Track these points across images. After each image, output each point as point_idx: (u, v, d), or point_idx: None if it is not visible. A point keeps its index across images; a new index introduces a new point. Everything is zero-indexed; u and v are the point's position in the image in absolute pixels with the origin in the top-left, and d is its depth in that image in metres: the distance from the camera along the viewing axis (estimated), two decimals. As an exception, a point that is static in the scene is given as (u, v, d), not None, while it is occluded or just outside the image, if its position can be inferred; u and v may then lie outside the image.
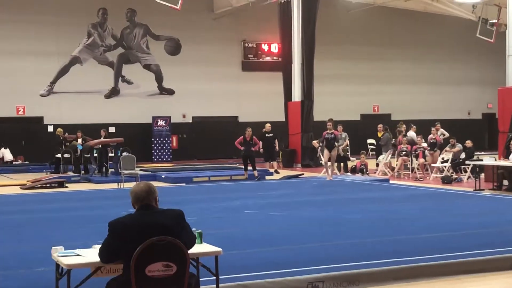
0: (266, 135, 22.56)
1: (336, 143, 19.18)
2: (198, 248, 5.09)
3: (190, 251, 4.75)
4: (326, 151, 19.23)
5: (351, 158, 23.01)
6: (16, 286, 6.63)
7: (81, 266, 4.97)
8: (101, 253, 4.79)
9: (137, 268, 4.45)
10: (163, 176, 20.26)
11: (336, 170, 21.39)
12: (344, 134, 22.74)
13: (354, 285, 6.75)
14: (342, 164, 21.77)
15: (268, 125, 22.95)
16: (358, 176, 20.30)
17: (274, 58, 31.99)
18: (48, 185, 18.36)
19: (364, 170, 20.94)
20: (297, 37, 25.64)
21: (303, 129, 25.39)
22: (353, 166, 21.60)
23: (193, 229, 5.04)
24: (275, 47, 32.02)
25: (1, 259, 7.85)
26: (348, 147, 24.84)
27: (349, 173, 21.17)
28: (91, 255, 5.06)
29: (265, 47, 32.38)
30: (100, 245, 4.89)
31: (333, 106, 31.03)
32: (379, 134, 22.67)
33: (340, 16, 31.51)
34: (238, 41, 31.72)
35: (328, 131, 19.20)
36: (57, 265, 5.24)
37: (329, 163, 19.24)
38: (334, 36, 31.35)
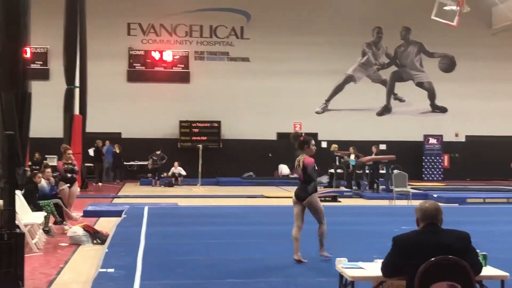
0: None
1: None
2: (483, 271, 4.94)
3: (474, 273, 4.63)
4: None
5: None
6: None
7: (364, 279, 5.14)
8: (384, 268, 4.88)
9: (421, 285, 4.46)
10: (434, 196, 19.86)
11: None
12: None
13: None
14: None
15: None
16: None
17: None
18: (322, 198, 19.00)
19: None
20: None
21: None
22: None
23: (477, 251, 4.92)
24: (561, 62, 29.76)
25: (283, 268, 8.34)
26: None
27: None
28: (373, 269, 5.19)
29: (548, 62, 30.26)
30: (382, 260, 4.98)
31: None
32: None
33: None
34: (518, 57, 30.11)
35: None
36: (341, 276, 5.45)
37: None
38: None
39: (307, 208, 8.88)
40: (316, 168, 8.90)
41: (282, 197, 20.62)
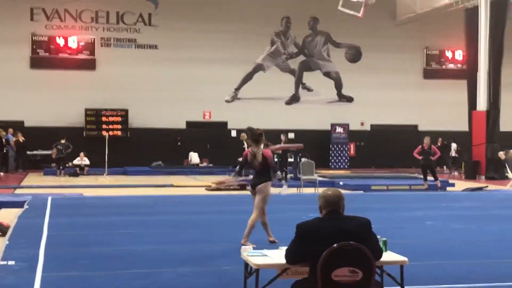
0: None
1: None
2: (383, 256, 5.05)
3: (374, 259, 4.73)
4: None
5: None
6: (206, 283, 6.99)
7: (269, 266, 5.14)
8: (287, 255, 4.90)
9: (323, 271, 4.50)
10: (341, 183, 20.30)
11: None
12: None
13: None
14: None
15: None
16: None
17: (458, 65, 31.01)
18: (231, 187, 19.09)
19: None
20: (483, 44, 24.57)
21: (488, 139, 24.25)
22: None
23: (378, 236, 5.02)
24: (459, 54, 31.00)
25: (191, 257, 8.30)
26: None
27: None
28: (278, 256, 5.21)
29: (448, 54, 31.49)
30: (286, 247, 5.01)
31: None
32: None
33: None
34: (420, 48, 31.11)
35: None
36: (246, 264, 5.45)
37: None
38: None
39: (257, 194, 9.08)
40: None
41: (192, 186, 20.56)
